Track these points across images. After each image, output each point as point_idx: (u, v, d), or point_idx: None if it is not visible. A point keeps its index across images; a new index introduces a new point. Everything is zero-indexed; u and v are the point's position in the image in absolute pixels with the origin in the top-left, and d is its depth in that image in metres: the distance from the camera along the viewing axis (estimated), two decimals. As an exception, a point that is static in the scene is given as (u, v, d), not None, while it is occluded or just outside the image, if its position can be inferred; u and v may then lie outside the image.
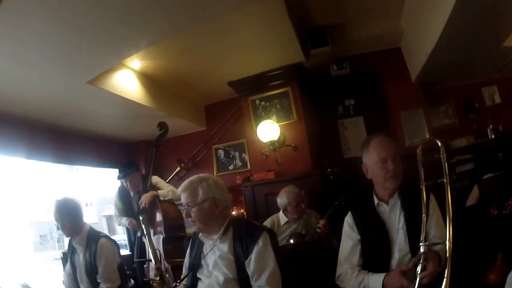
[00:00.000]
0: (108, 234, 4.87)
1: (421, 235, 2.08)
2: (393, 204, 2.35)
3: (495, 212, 3.21)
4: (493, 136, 5.36)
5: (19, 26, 3.06)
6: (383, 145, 2.34)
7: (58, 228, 3.56)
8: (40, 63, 3.68)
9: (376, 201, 2.42)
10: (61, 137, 5.43)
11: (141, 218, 3.28)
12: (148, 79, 5.16)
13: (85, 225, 3.56)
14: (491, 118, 5.51)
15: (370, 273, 2.25)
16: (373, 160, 2.36)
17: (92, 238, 3.49)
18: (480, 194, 3.87)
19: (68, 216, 3.46)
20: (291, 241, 3.93)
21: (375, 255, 2.30)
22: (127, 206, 4.84)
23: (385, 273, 2.16)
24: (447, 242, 1.97)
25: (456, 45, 4.34)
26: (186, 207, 2.38)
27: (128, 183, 4.69)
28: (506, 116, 5.52)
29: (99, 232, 3.65)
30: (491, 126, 5.41)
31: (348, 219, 2.50)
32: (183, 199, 2.40)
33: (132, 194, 4.83)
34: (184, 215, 2.43)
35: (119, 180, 4.80)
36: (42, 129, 5.13)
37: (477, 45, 4.51)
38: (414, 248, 2.15)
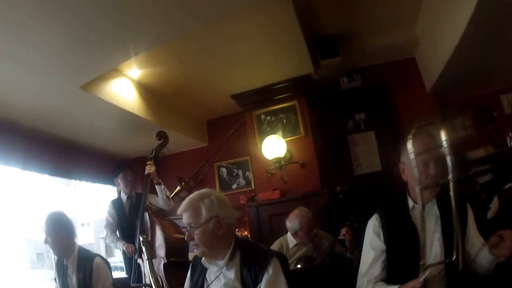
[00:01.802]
0: (105, 256, 4.60)
1: (421, 254, 1.86)
2: (429, 209, 2.04)
3: (519, 223, 3.09)
4: (512, 145, 5.18)
5: (15, 23, 2.90)
6: (428, 145, 1.99)
7: (46, 242, 3.29)
8: (32, 61, 3.46)
9: (411, 203, 2.12)
10: (58, 149, 5.26)
11: (141, 238, 3.01)
12: (146, 90, 4.98)
13: (76, 244, 3.36)
14: (510, 126, 5.31)
15: (385, 285, 2.02)
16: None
17: (85, 258, 3.31)
18: (500, 205, 3.74)
19: (63, 231, 3.24)
20: (298, 266, 3.73)
21: (402, 268, 1.98)
22: (119, 216, 4.69)
23: (398, 285, 1.91)
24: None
25: (476, 50, 4.17)
26: (188, 228, 2.15)
27: (128, 177, 4.67)
28: (527, 123, 5.34)
29: (90, 251, 3.48)
30: (510, 134, 5.20)
31: (375, 221, 2.17)
32: (185, 219, 2.17)
33: (124, 200, 4.73)
34: (185, 238, 2.17)
35: (119, 175, 4.73)
36: (38, 138, 4.93)
37: (498, 49, 4.33)
38: (449, 264, 1.87)
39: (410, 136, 1.95)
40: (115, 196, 5.18)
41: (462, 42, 3.81)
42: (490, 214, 3.83)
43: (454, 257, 1.78)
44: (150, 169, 4.38)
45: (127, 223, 4.60)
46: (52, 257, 5.42)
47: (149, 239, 4.20)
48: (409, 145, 1.95)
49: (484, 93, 5.65)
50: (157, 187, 4.50)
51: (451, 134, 1.84)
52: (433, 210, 2.04)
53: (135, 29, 3.34)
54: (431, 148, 1.93)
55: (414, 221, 2.05)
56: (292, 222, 3.87)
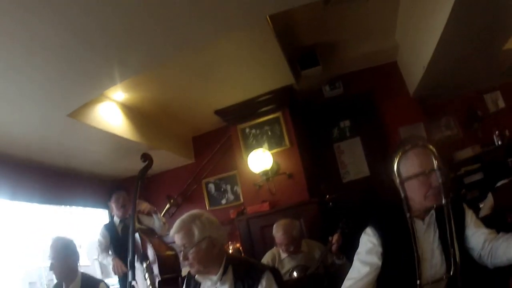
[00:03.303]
0: (101, 277, 4.58)
1: (421, 266, 1.72)
2: (428, 221, 1.99)
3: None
4: (500, 143, 5.17)
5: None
6: (427, 155, 1.82)
7: (51, 269, 3.24)
8: (15, 95, 3.41)
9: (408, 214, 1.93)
10: (47, 176, 5.14)
11: (144, 265, 2.95)
12: (132, 112, 4.92)
13: (79, 270, 3.33)
14: (496, 124, 5.32)
15: None
16: (413, 172, 1.90)
17: (89, 284, 3.29)
18: (495, 203, 3.76)
19: (72, 255, 3.27)
20: (295, 274, 3.75)
21: (401, 285, 1.88)
22: (112, 238, 4.62)
23: None
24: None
25: (454, 54, 4.17)
26: (182, 249, 2.22)
27: (120, 201, 4.51)
28: (512, 120, 5.35)
29: (94, 277, 3.51)
30: (497, 132, 5.21)
31: (372, 238, 2.01)
32: (178, 240, 2.24)
33: (117, 223, 4.64)
34: (181, 258, 2.25)
35: (111, 197, 4.60)
36: (27, 167, 4.83)
37: (477, 51, 4.32)
38: (450, 268, 1.77)
39: (400, 157, 1.80)
40: (108, 219, 5.18)
41: (440, 46, 3.82)
42: (483, 211, 3.88)
43: (452, 273, 1.72)
44: (142, 206, 4.41)
45: (120, 245, 4.48)
46: (45, 286, 5.30)
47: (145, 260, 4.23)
48: (403, 167, 1.86)
49: (468, 94, 5.61)
50: (154, 215, 4.50)
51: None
52: (431, 219, 1.98)
53: (117, 58, 3.33)
54: (426, 169, 1.83)
55: (413, 234, 1.85)
56: (273, 233, 3.95)
